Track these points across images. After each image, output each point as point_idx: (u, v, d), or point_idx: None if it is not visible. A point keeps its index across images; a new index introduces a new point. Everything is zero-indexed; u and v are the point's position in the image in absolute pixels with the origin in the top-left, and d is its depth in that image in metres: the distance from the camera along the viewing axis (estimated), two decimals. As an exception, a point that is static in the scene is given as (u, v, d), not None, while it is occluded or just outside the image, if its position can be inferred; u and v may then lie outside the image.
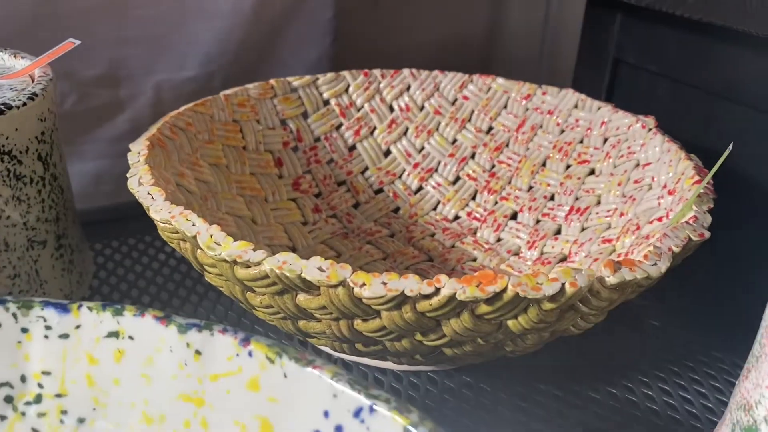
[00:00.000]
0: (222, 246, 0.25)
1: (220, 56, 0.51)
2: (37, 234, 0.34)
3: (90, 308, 0.21)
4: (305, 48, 0.55)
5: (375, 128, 0.47)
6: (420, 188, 0.46)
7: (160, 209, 0.27)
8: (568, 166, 0.43)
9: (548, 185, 0.43)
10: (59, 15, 0.44)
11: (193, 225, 0.26)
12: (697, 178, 0.32)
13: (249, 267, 0.25)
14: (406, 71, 0.48)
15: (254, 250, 0.25)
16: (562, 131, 0.44)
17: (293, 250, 0.41)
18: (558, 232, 0.41)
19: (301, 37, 0.54)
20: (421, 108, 0.47)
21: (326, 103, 0.46)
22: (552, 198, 0.43)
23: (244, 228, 0.38)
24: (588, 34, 0.52)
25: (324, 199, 0.45)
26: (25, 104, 0.32)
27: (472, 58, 0.93)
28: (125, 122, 0.49)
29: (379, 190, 0.46)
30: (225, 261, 0.25)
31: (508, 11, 0.94)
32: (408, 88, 0.48)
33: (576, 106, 0.44)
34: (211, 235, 0.26)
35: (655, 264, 0.26)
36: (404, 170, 0.47)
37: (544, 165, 0.44)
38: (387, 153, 0.47)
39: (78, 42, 0.37)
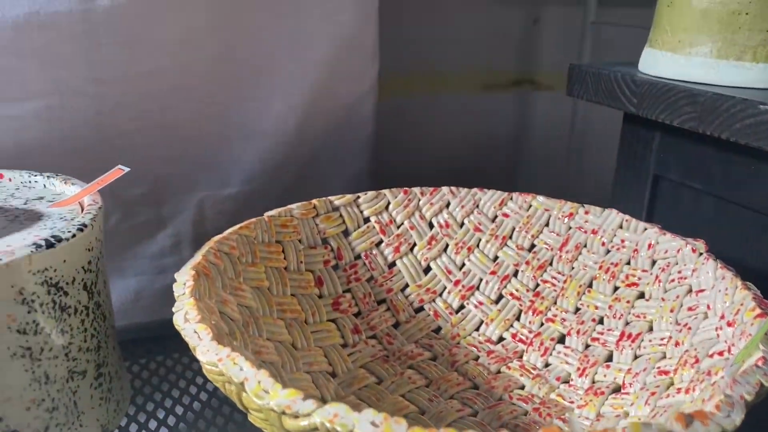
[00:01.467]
0: (270, 394, 0.24)
1: (261, 174, 0.52)
2: (78, 364, 0.34)
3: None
4: (345, 164, 0.56)
5: (415, 245, 0.47)
6: (461, 307, 0.45)
7: (207, 350, 0.27)
8: (616, 288, 0.42)
9: (596, 308, 0.42)
10: (107, 136, 0.45)
11: (241, 369, 0.25)
12: (759, 311, 0.31)
13: (298, 417, 0.24)
14: (445, 189, 0.48)
15: (304, 399, 0.24)
16: (608, 251, 0.43)
17: (333, 375, 0.39)
18: (609, 358, 0.39)
19: (341, 153, 0.55)
20: (461, 225, 0.47)
21: (367, 220, 0.46)
22: (601, 321, 0.41)
23: (284, 354, 0.38)
24: (626, 150, 0.52)
25: (364, 318, 0.44)
26: (74, 236, 0.32)
27: (498, 159, 0.93)
28: (167, 238, 0.50)
29: (420, 309, 0.45)
30: (273, 410, 0.24)
31: (535, 113, 0.96)
32: (447, 205, 0.48)
33: (621, 227, 0.43)
34: (260, 382, 0.25)
35: (729, 416, 0.24)
36: (445, 288, 0.46)
37: (590, 286, 0.43)
38: (427, 270, 0.46)
39: (127, 169, 0.38)
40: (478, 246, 0.47)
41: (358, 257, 0.45)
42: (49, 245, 0.31)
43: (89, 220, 0.34)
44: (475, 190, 0.48)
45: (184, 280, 0.33)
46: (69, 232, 0.32)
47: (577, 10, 0.88)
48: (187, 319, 0.29)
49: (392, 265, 0.46)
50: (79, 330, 0.33)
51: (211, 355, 0.26)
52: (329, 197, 0.46)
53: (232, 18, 0.46)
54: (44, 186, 0.40)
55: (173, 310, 0.30)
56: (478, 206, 0.47)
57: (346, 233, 0.46)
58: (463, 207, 0.47)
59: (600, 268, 0.43)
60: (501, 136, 0.92)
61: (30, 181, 0.40)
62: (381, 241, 0.46)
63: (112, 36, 0.42)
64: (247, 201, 0.52)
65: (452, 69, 0.84)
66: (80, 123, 0.44)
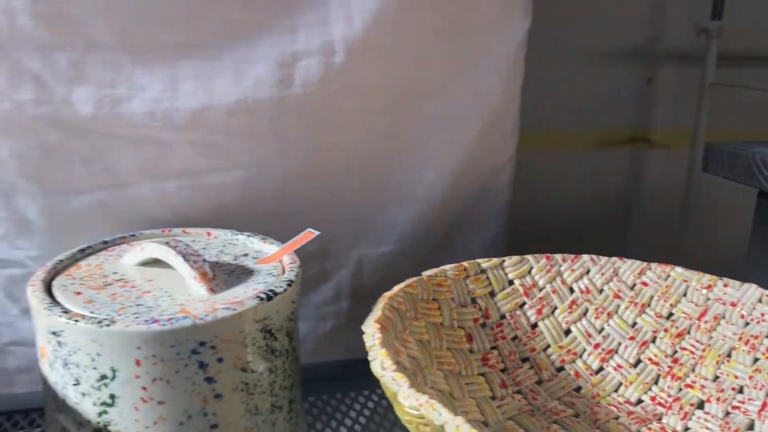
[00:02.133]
0: (469, 437, 0.29)
1: (411, 235, 0.57)
2: (278, 400, 0.40)
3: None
4: (483, 229, 0.61)
5: (556, 308, 0.51)
6: (601, 368, 0.49)
7: (408, 396, 0.32)
8: (756, 360, 0.44)
9: (736, 377, 0.44)
10: (290, 201, 0.52)
11: (440, 414, 0.30)
12: None
13: (493, 459, 0.28)
14: (586, 257, 0.51)
15: (499, 444, 0.28)
16: (747, 323, 0.45)
17: (485, 425, 0.44)
18: (751, 427, 0.41)
19: (480, 219, 0.60)
20: (601, 291, 0.51)
21: (511, 283, 0.51)
22: (741, 390, 0.43)
23: (445, 402, 0.42)
24: (761, 227, 0.54)
25: (509, 374, 0.48)
26: (285, 290, 0.38)
27: (609, 217, 0.95)
28: (329, 290, 0.56)
29: (561, 368, 0.49)
30: (472, 451, 0.29)
31: (649, 172, 0.97)
32: (588, 272, 0.51)
33: (760, 301, 0.45)
34: (458, 426, 0.30)
35: None
36: (585, 350, 0.49)
37: (729, 356, 0.45)
38: (567, 332, 0.50)
39: (317, 233, 0.44)
40: (617, 312, 0.50)
41: (503, 317, 0.50)
42: (269, 298, 0.37)
43: (294, 277, 0.40)
44: (614, 258, 0.51)
45: (371, 332, 0.38)
46: (281, 287, 0.38)
47: (694, 71, 0.90)
48: (384, 367, 0.35)
49: (535, 326, 0.50)
50: (281, 370, 0.39)
51: (412, 400, 0.32)
52: (477, 260, 0.50)
53: (397, 102, 0.52)
54: (244, 243, 0.47)
55: (369, 359, 0.36)
56: (617, 274, 0.51)
57: (492, 294, 0.50)
58: (603, 274, 0.51)
59: (739, 339, 0.45)
60: (612, 195, 0.95)
61: (232, 239, 0.47)
62: (524, 303, 0.50)
63: (299, 117, 0.50)
64: (398, 259, 0.57)
65: (565, 126, 0.88)
66: (270, 190, 0.51)
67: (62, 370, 0.36)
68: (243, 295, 0.38)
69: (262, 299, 0.37)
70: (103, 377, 0.35)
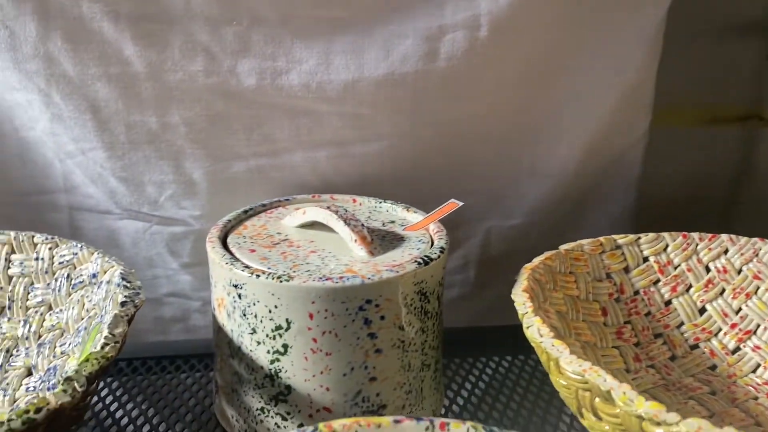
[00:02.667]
0: (636, 404, 0.30)
1: (540, 209, 0.58)
2: (427, 359, 0.42)
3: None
4: (613, 203, 0.61)
5: (691, 286, 0.51)
6: (738, 348, 0.49)
7: (571, 362, 0.33)
8: None
9: None
10: (423, 171, 0.54)
11: (605, 380, 0.32)
12: None
13: (660, 425, 0.30)
14: (724, 236, 0.51)
15: (668, 411, 0.29)
16: None
17: (622, 395, 0.45)
18: None
19: (610, 193, 0.60)
20: (739, 271, 0.50)
21: (646, 260, 0.51)
22: None
23: (584, 371, 0.44)
24: None
25: (643, 349, 0.49)
26: (439, 257, 0.41)
27: (715, 196, 0.92)
28: (457, 258, 0.58)
29: (695, 346, 0.49)
30: (638, 417, 0.30)
31: (761, 151, 0.93)
32: (725, 252, 0.51)
33: None
34: (624, 392, 0.31)
35: None
36: (720, 329, 0.49)
37: None
38: (702, 311, 0.50)
39: (461, 203, 0.46)
40: (756, 293, 0.49)
41: (637, 293, 0.50)
42: (426, 263, 0.39)
43: (444, 245, 0.42)
44: (755, 239, 0.50)
45: (522, 300, 0.40)
46: (435, 254, 0.41)
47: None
48: (542, 334, 0.36)
49: (669, 302, 0.50)
50: (431, 331, 0.42)
51: (576, 366, 0.33)
52: (613, 236, 0.51)
53: (535, 75, 0.53)
54: (388, 211, 0.49)
55: (525, 325, 0.38)
56: (757, 255, 0.50)
57: (627, 270, 0.51)
58: (742, 255, 0.50)
59: None
60: (721, 173, 0.91)
61: (377, 207, 0.50)
62: (659, 280, 0.51)
63: (442, 90, 0.51)
64: (526, 231, 0.59)
65: (676, 101, 0.85)
66: (408, 160, 0.53)
67: (240, 320, 0.39)
68: (401, 258, 0.41)
69: (420, 264, 0.39)
70: (278, 328, 0.38)
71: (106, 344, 0.33)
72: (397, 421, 0.28)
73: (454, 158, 0.55)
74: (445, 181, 0.55)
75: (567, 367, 0.33)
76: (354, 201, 0.50)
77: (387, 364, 0.40)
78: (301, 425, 0.40)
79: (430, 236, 0.45)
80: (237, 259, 0.40)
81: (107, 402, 0.47)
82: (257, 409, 0.41)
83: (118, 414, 0.46)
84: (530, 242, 0.59)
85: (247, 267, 0.39)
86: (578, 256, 0.49)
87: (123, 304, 0.37)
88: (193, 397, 0.48)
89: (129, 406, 0.47)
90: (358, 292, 0.37)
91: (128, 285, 0.39)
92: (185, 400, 0.48)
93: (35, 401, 0.29)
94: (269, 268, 0.39)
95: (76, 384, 0.30)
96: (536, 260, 0.46)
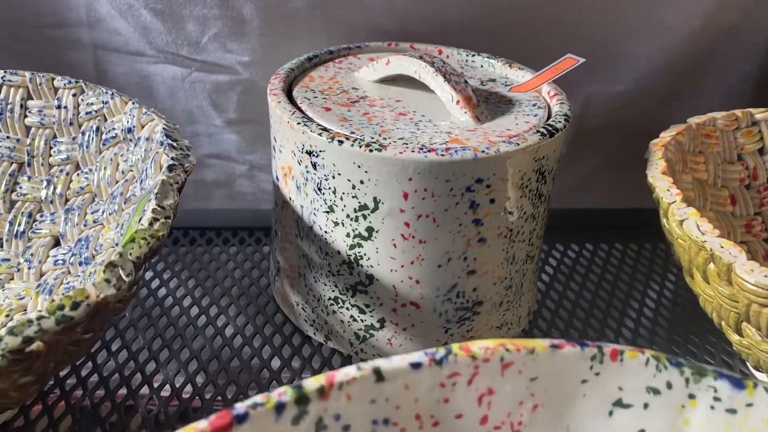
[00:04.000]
0: None
1: (648, 75, 0.49)
2: (532, 250, 0.35)
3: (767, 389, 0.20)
4: (728, 71, 0.51)
5: (837, 174, 0.42)
6: None
7: (751, 270, 0.26)
8: None
9: None
10: (519, 24, 0.44)
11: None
12: None
13: None
14: None
15: None
16: None
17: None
18: None
19: (727, 60, 0.50)
20: None
21: (786, 140, 0.42)
22: None
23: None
24: None
25: (773, 246, 0.41)
26: (564, 126, 0.32)
27: None
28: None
29: (835, 246, 0.42)
30: None
31: None
32: None
33: None
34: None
35: None
36: None
37: None
38: None
39: (581, 60, 0.37)
40: None
41: (771, 179, 0.42)
42: (550, 134, 0.31)
43: (567, 111, 0.33)
44: None
45: (665, 186, 0.32)
46: (560, 122, 0.32)
47: None
48: (703, 231, 0.29)
49: (807, 193, 0.42)
50: (541, 217, 0.34)
51: (759, 276, 0.26)
52: (750, 110, 0.42)
53: None
54: (482, 66, 0.40)
55: (678, 218, 0.30)
56: None
57: (762, 151, 0.42)
58: None
59: None
60: None
61: (469, 61, 0.40)
62: (799, 166, 0.42)
63: None
64: (629, 101, 0.49)
65: None
66: (499, 7, 0.43)
67: (313, 195, 0.32)
68: (516, 128, 0.32)
69: (543, 135, 0.31)
70: (363, 208, 0.31)
71: (155, 219, 0.26)
72: (555, 347, 0.21)
73: (555, 12, 0.44)
74: (542, 37, 0.45)
75: (745, 276, 0.26)
76: (440, 52, 0.41)
77: (490, 255, 0.32)
78: (381, 320, 0.34)
79: (546, 100, 0.36)
80: (310, 119, 0.31)
81: (147, 278, 0.41)
82: (330, 299, 0.34)
83: (161, 293, 0.40)
84: (630, 114, 0.50)
85: (325, 130, 0.30)
86: (710, 132, 0.40)
87: (171, 168, 0.29)
88: (246, 276, 0.42)
89: (172, 283, 0.41)
90: (468, 168, 0.29)
91: (174, 144, 0.31)
92: (237, 279, 0.41)
93: (71, 294, 0.22)
94: (353, 133, 0.31)
95: (121, 271, 0.23)
96: (665, 135, 0.38)
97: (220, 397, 0.33)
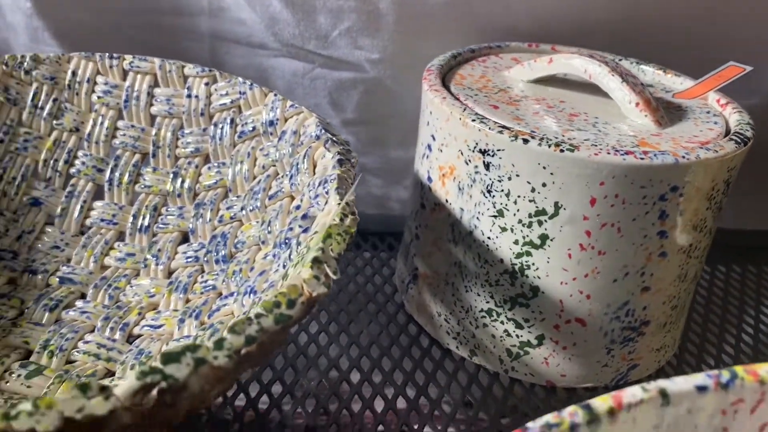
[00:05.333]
0: None
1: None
2: (699, 268, 0.32)
3: None
4: None
5: None
6: None
7: None
8: None
9: None
10: (670, 25, 0.42)
11: None
12: None
13: None
14: None
15: None
16: None
17: None
18: None
19: None
20: None
21: None
22: None
23: None
24: None
25: None
26: (752, 134, 0.30)
27: None
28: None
29: None
30: None
31: None
32: None
33: None
34: None
35: None
36: None
37: None
38: None
39: (747, 68, 0.34)
40: None
41: None
42: (744, 143, 0.29)
43: (750, 120, 0.31)
44: None
45: None
46: (747, 131, 0.30)
47: None
48: None
49: None
50: (711, 233, 0.32)
51: None
52: None
53: None
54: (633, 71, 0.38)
55: None
56: None
57: None
58: None
59: None
60: None
61: (616, 65, 0.38)
62: None
63: None
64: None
65: None
66: (646, 5, 0.41)
67: (480, 197, 0.30)
68: (702, 134, 0.30)
69: (738, 143, 0.29)
70: (540, 213, 0.28)
71: (344, 215, 0.24)
72: None
73: (704, 10, 0.42)
74: (696, 39, 0.43)
75: None
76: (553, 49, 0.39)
77: (666, 271, 0.30)
78: (540, 336, 0.31)
79: (716, 109, 0.33)
80: (484, 117, 0.29)
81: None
82: (482, 311, 0.32)
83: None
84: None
85: (505, 128, 0.28)
86: None
87: (341, 162, 0.27)
88: (370, 282, 0.39)
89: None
90: (666, 174, 0.27)
91: (335, 139, 0.29)
92: (360, 284, 0.39)
93: (284, 291, 0.20)
94: (533, 132, 0.28)
95: (327, 268, 0.21)
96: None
97: (368, 411, 0.30)
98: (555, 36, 0.41)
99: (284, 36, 0.41)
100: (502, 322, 0.32)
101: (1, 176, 0.36)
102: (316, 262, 0.21)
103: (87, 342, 0.30)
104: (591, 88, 0.33)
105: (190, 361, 0.17)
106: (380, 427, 0.30)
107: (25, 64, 0.36)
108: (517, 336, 0.31)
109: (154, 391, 0.17)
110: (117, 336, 0.31)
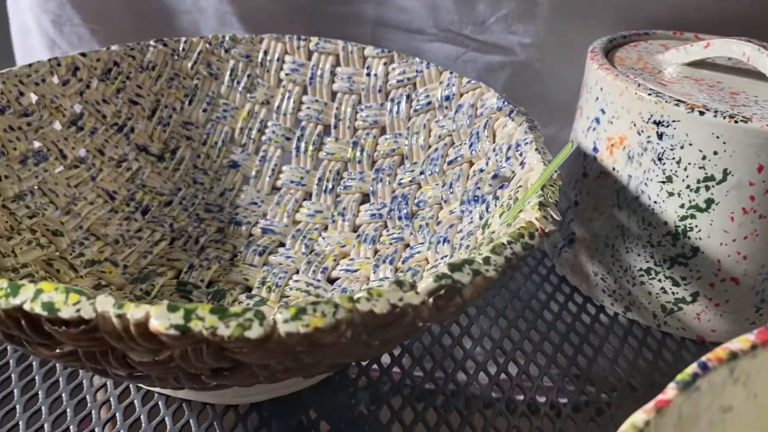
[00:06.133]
0: None
1: None
2: None
3: None
4: None
5: None
6: None
7: None
8: None
9: None
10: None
11: None
12: None
13: None
14: None
15: None
16: None
17: None
18: None
19: None
20: None
21: None
22: None
23: None
24: None
25: None
26: None
27: None
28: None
29: None
30: None
31: None
32: None
33: None
34: None
35: None
36: None
37: None
38: None
39: None
40: None
41: None
42: None
43: None
44: None
45: None
46: None
47: None
48: None
49: None
50: None
51: None
52: None
53: None
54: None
55: None
56: None
57: None
58: None
59: None
60: None
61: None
62: None
63: None
64: None
65: None
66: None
67: (650, 164, 0.33)
68: None
69: None
70: (709, 179, 0.32)
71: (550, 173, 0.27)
72: None
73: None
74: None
75: None
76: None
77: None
78: (695, 294, 0.34)
79: None
80: (659, 91, 0.33)
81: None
82: (640, 269, 0.35)
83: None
84: None
85: (680, 101, 0.32)
86: None
87: (531, 129, 0.31)
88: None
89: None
90: (832, 144, 0.30)
91: (519, 109, 0.33)
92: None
93: (524, 225, 0.24)
94: (705, 105, 0.32)
95: (551, 211, 0.25)
96: None
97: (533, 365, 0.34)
98: (694, 26, 0.44)
99: (443, 22, 0.45)
100: (659, 280, 0.35)
101: (206, 141, 0.41)
102: (541, 205, 0.25)
103: (296, 281, 0.35)
104: (742, 72, 0.36)
105: (469, 271, 0.21)
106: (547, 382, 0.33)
107: (225, 43, 0.42)
108: (673, 293, 0.35)
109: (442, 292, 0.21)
110: (319, 277, 0.36)
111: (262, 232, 0.39)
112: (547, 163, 0.28)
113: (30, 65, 0.36)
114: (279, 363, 0.21)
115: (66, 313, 0.18)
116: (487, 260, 0.22)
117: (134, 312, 0.18)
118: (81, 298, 0.18)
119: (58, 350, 0.21)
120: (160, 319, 0.18)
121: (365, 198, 0.40)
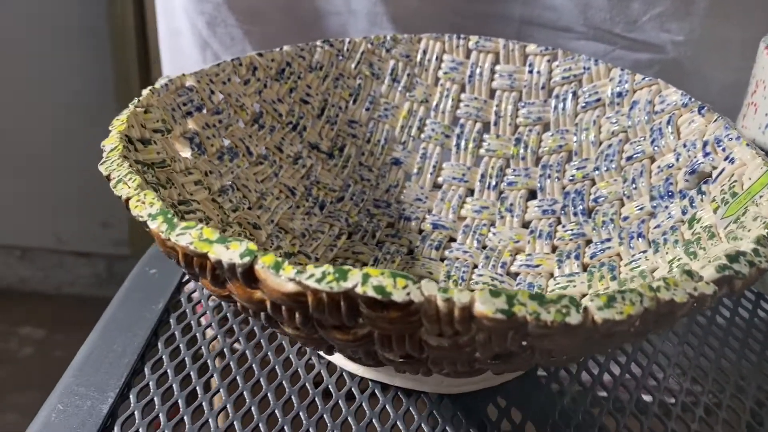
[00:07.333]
0: None
1: None
2: None
3: None
4: None
5: None
6: None
7: None
8: None
9: None
10: None
11: None
12: None
13: None
14: None
15: None
16: None
17: None
18: None
19: None
20: None
21: None
22: None
23: None
24: None
25: None
26: None
27: None
28: None
29: None
30: None
31: None
32: None
33: None
34: None
35: None
36: None
37: None
38: None
39: None
40: None
41: None
42: None
43: None
44: None
45: None
46: None
47: None
48: None
49: None
50: None
51: None
52: None
53: None
54: None
55: None
56: None
57: None
58: None
59: None
60: None
61: None
62: None
63: None
64: None
65: None
66: None
67: None
68: None
69: None
70: None
71: (773, 166, 0.28)
72: None
73: None
74: None
75: None
76: None
77: None
78: None
79: None
80: None
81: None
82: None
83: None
84: None
85: None
86: None
87: (727, 126, 0.31)
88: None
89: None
90: None
91: (707, 106, 0.33)
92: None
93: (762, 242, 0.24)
94: None
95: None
96: None
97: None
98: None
99: (594, 20, 0.45)
100: None
101: (369, 139, 0.42)
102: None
103: (480, 275, 0.36)
104: None
105: (745, 263, 0.22)
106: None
107: (386, 43, 0.43)
108: None
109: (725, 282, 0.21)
110: (500, 271, 0.36)
111: (433, 228, 0.39)
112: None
113: (218, 65, 0.37)
114: (562, 351, 0.22)
115: (398, 296, 0.19)
116: (756, 252, 0.22)
117: (460, 296, 0.19)
118: (408, 283, 0.19)
119: (351, 335, 0.21)
120: (486, 303, 0.19)
121: (531, 194, 0.40)
